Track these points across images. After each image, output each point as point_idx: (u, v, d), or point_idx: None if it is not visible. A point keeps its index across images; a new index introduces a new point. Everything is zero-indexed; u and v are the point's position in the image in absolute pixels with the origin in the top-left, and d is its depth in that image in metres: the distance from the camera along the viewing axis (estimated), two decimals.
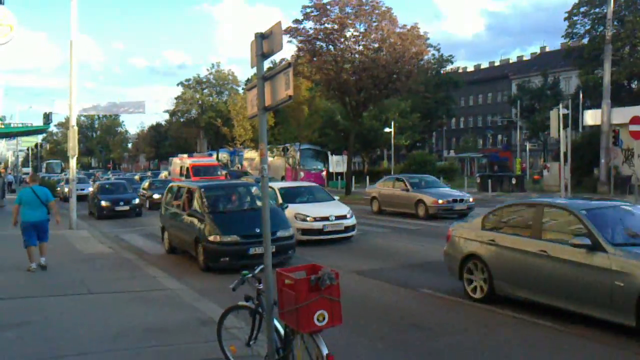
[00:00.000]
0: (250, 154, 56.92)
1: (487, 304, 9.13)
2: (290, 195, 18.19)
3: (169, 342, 7.36)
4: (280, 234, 12.96)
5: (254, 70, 6.04)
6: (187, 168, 37.88)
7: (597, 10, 49.83)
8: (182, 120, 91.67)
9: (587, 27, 52.39)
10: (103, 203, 26.98)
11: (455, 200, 23.37)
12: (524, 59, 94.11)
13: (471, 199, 24.13)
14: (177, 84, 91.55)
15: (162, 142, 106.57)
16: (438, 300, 9.85)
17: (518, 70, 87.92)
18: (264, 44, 5.87)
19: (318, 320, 5.01)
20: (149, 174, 55.63)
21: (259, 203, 13.40)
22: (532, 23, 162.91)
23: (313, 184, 23.35)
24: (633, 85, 52.45)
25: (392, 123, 50.15)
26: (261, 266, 5.89)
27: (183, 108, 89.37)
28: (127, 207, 27.14)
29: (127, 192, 29.00)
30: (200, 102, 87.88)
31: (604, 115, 34.97)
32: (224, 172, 40.51)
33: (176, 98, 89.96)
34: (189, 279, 11.94)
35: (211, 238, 12.58)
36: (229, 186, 16.37)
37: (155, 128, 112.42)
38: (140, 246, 17.57)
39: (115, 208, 26.94)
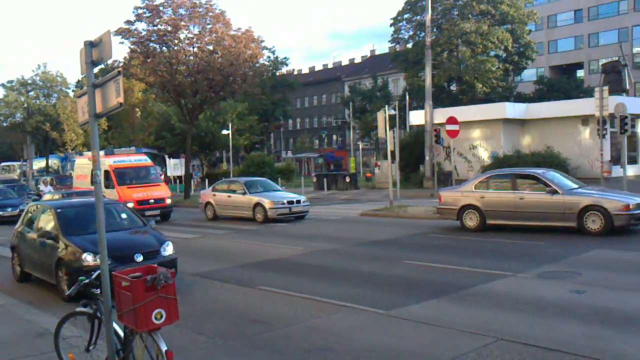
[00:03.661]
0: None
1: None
2: None
3: (4, 357, 7.16)
4: None
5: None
6: (107, 172, 26.31)
7: (418, 17, 53.33)
8: (5, 124, 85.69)
9: (411, 33, 55.89)
10: (88, 258, 10.38)
11: None
12: (356, 61, 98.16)
13: None
14: None
15: None
16: (274, 296, 10.32)
17: (350, 72, 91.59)
18: (94, 51, 5.95)
19: (156, 318, 5.22)
20: None
21: None
22: (363, 27, 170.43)
23: None
24: (452, 88, 56.68)
25: (230, 125, 50.42)
26: (98, 271, 5.98)
27: (6, 112, 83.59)
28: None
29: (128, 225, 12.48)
30: (25, 105, 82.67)
31: (426, 115, 37.60)
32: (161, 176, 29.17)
33: None
34: (19, 292, 11.48)
35: None
36: None
37: None
38: None
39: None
